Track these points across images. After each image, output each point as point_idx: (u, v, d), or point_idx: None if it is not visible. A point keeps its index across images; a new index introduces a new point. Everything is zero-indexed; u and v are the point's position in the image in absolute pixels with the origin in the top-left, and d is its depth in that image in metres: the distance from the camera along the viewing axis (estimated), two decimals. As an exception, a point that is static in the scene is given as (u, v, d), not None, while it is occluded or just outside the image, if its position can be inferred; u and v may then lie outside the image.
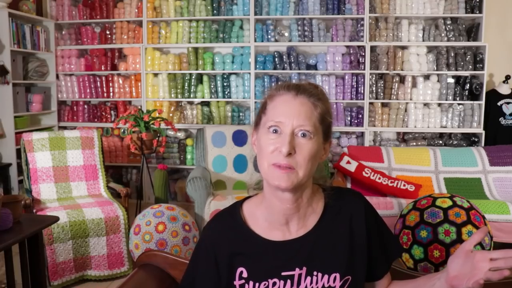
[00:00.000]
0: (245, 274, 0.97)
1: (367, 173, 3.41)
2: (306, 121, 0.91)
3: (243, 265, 0.98)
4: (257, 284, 0.96)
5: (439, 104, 4.30)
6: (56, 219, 2.22)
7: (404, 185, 3.36)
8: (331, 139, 1.01)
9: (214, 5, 4.41)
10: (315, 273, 0.96)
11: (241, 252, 0.99)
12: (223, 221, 1.04)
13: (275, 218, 0.99)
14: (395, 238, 1.08)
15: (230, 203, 1.10)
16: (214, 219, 1.06)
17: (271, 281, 0.96)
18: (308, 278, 0.96)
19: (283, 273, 0.96)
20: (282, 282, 0.96)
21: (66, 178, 3.22)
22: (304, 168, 0.91)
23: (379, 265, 1.03)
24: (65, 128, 4.77)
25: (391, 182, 3.37)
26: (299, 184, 0.92)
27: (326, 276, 0.96)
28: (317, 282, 0.95)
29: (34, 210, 2.85)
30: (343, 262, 0.97)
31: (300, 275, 0.95)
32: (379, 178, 3.39)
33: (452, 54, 4.17)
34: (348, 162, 3.48)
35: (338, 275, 0.96)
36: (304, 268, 0.96)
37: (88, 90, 4.71)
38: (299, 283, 0.95)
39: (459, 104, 4.24)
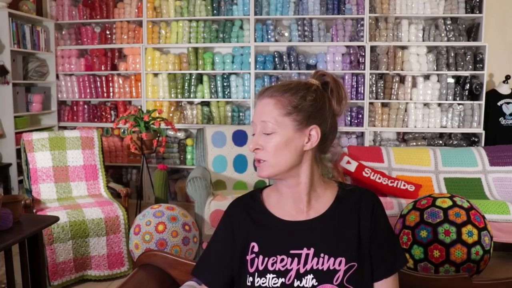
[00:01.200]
0: (256, 249, 1.04)
1: (367, 173, 3.41)
2: (266, 118, 1.01)
3: (255, 240, 1.05)
4: (266, 259, 1.03)
5: (439, 104, 4.30)
6: (56, 219, 2.22)
7: (404, 185, 3.36)
8: (320, 122, 1.04)
9: (214, 5, 4.41)
10: (322, 254, 1.01)
11: (256, 227, 1.07)
12: (244, 199, 1.13)
13: (284, 200, 1.08)
14: (401, 249, 1.09)
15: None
16: (238, 198, 1.15)
17: (279, 257, 1.02)
18: (315, 258, 1.01)
19: (291, 251, 1.02)
20: (289, 259, 1.01)
21: (66, 178, 3.22)
22: (273, 159, 1.01)
23: (376, 266, 1.03)
24: (65, 128, 4.77)
25: (391, 182, 3.37)
26: (279, 172, 1.03)
27: (332, 259, 1.00)
28: (323, 264, 1.00)
29: (34, 210, 2.85)
30: (350, 249, 1.01)
31: (307, 254, 1.01)
32: (379, 178, 3.39)
33: (452, 54, 4.17)
34: (348, 162, 3.48)
35: (343, 260, 1.00)
36: (312, 249, 1.01)
37: (88, 90, 4.71)
38: (306, 262, 1.01)
39: (459, 104, 4.24)
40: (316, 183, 1.08)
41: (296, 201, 1.07)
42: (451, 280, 1.26)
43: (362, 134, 4.38)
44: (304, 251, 1.02)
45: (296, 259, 1.01)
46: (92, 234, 2.81)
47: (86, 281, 2.85)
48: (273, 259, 1.02)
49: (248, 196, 1.14)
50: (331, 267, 1.00)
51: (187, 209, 3.21)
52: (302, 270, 1.00)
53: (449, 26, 4.18)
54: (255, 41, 4.37)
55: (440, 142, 4.29)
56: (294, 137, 1.01)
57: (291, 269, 1.00)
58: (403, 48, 4.30)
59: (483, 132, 4.19)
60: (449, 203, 2.49)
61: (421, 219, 2.48)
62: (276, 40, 4.40)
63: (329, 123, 1.05)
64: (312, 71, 4.75)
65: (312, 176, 1.06)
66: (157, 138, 3.70)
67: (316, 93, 1.03)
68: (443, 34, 4.20)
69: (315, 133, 1.03)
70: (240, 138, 3.80)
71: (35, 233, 2.11)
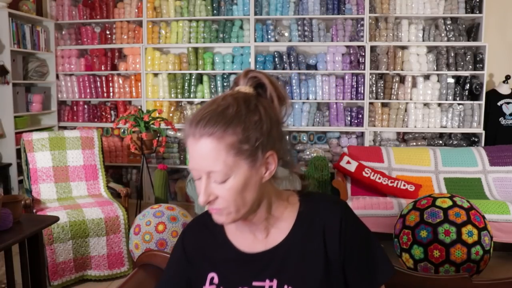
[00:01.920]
0: (216, 280, 0.95)
1: (367, 173, 3.42)
2: (214, 165, 0.82)
3: (215, 270, 0.96)
4: None
5: (439, 104, 4.30)
6: (56, 219, 2.22)
7: (404, 185, 3.36)
8: (276, 147, 0.87)
9: (214, 5, 4.41)
10: (285, 286, 0.89)
11: (215, 256, 0.97)
12: (203, 222, 1.01)
13: (240, 229, 0.96)
14: (383, 258, 0.94)
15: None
16: (195, 220, 1.03)
17: None
18: None
19: (254, 283, 0.92)
20: None
21: (66, 178, 3.22)
22: (234, 205, 0.85)
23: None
24: (65, 128, 4.77)
25: (391, 182, 3.37)
26: (243, 214, 0.88)
27: None
28: None
29: (34, 210, 2.85)
30: (317, 277, 0.89)
31: (271, 287, 0.91)
32: (379, 178, 3.39)
33: (452, 54, 4.17)
34: (348, 162, 3.48)
35: None
36: (275, 280, 0.91)
37: (88, 90, 4.71)
38: None
39: (459, 104, 4.24)
40: (274, 206, 0.93)
41: (252, 230, 0.94)
42: (451, 280, 1.26)
43: (362, 134, 4.38)
44: (267, 283, 0.91)
45: None
46: (92, 234, 2.81)
47: (86, 281, 2.85)
48: None
49: (208, 219, 0.97)
50: None
51: (187, 209, 3.21)
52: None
53: (449, 26, 4.18)
54: (255, 41, 4.37)
55: (440, 142, 4.29)
56: (251, 174, 0.85)
57: None
58: (403, 48, 4.30)
59: (483, 132, 4.19)
60: (449, 203, 2.49)
61: (421, 219, 2.48)
62: (276, 40, 4.40)
63: (281, 138, 0.89)
64: (312, 71, 4.70)
65: (270, 200, 0.92)
66: (157, 138, 3.70)
67: (258, 109, 0.85)
68: (443, 34, 4.20)
69: (272, 160, 0.87)
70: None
71: (35, 233, 2.11)
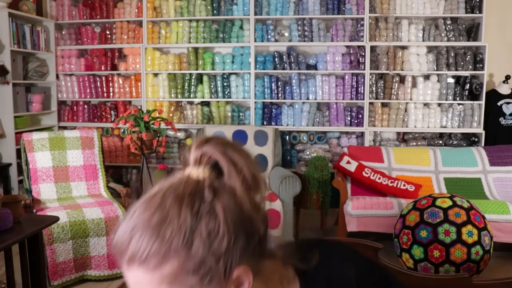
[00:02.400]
0: None
1: (367, 173, 3.42)
2: None
3: None
4: None
5: (439, 104, 4.30)
6: (56, 219, 2.22)
7: (404, 185, 3.36)
8: (247, 259, 0.59)
9: (214, 5, 4.41)
10: None
11: None
12: None
13: None
14: None
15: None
16: None
17: None
18: None
19: None
20: None
21: (66, 178, 3.22)
22: None
23: None
24: (65, 128, 4.77)
25: (391, 182, 3.37)
26: None
27: None
28: None
29: (34, 210, 2.85)
30: None
31: None
32: (379, 178, 3.39)
33: (452, 54, 4.17)
34: (348, 162, 3.48)
35: None
36: None
37: (88, 90, 4.71)
38: None
39: (459, 104, 4.24)
40: None
41: None
42: (451, 280, 1.26)
43: (362, 134, 4.38)
44: None
45: None
46: (92, 234, 2.81)
47: (86, 281, 2.85)
48: None
49: None
50: None
51: (187, 209, 3.21)
52: None
53: (449, 26, 4.18)
54: (255, 41, 4.37)
55: (440, 142, 4.29)
56: None
57: None
58: (403, 48, 4.30)
59: (483, 132, 4.19)
60: (449, 203, 2.49)
61: (421, 219, 2.48)
62: (276, 40, 4.40)
63: (253, 240, 0.60)
64: (312, 71, 4.69)
65: None
66: (157, 138, 3.70)
67: (214, 211, 0.56)
68: (443, 34, 4.20)
69: (245, 277, 0.59)
70: (240, 138, 3.80)
71: (35, 233, 2.11)
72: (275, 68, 4.37)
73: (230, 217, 0.57)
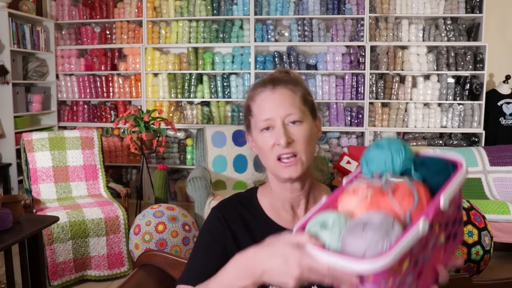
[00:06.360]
0: None
1: (367, 173, 3.41)
2: (291, 109, 0.94)
3: (251, 243, 0.93)
4: None
5: (439, 104, 4.30)
6: (56, 219, 2.22)
7: (404, 185, 3.35)
8: (319, 116, 1.03)
9: (214, 5, 4.41)
10: None
11: (256, 232, 0.99)
12: (237, 201, 1.05)
13: (278, 204, 1.01)
14: None
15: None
16: (228, 199, 1.07)
17: None
18: None
19: None
20: None
21: (66, 178, 3.22)
22: (305, 152, 0.94)
23: None
24: (65, 128, 4.77)
25: (391, 182, 3.37)
26: (305, 169, 0.95)
27: None
28: None
29: (34, 210, 2.85)
30: None
31: None
32: (379, 178, 3.39)
33: (452, 54, 4.17)
34: (348, 162, 3.48)
35: None
36: None
37: (88, 90, 4.71)
38: None
39: (459, 104, 4.24)
40: (315, 187, 1.03)
41: (294, 206, 1.01)
42: (451, 280, 1.25)
43: (362, 134, 4.38)
44: None
45: None
46: (92, 234, 2.81)
47: (86, 281, 2.85)
48: None
49: (244, 194, 1.06)
50: None
51: (187, 209, 3.21)
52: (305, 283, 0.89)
53: (449, 26, 4.17)
54: (255, 41, 4.37)
55: (440, 142, 4.29)
56: (312, 127, 0.97)
57: None
58: (403, 48, 4.30)
59: (483, 132, 4.19)
60: (449, 203, 2.49)
61: (421, 219, 2.48)
62: (276, 40, 4.40)
63: None
64: (312, 71, 4.70)
65: (312, 180, 1.02)
66: (157, 138, 3.69)
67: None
68: (443, 34, 4.20)
69: (319, 125, 1.02)
70: (240, 138, 3.80)
71: (35, 233, 2.11)
72: (275, 68, 4.36)
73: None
